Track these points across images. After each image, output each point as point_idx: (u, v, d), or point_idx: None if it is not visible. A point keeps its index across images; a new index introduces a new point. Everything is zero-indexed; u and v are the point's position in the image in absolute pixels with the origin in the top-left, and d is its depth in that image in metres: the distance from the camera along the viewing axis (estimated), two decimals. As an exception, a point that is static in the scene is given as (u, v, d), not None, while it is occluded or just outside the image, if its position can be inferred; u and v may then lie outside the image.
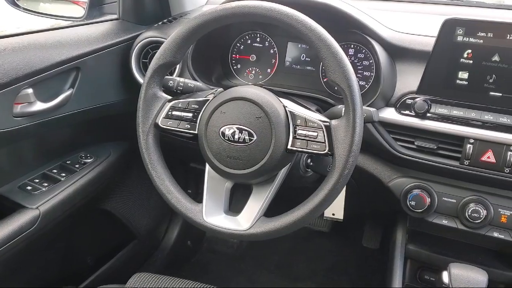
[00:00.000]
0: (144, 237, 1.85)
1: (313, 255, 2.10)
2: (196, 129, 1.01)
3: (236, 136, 0.95)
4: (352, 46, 1.28)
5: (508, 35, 1.04)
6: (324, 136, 0.92)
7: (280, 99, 0.98)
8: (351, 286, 1.93)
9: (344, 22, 1.21)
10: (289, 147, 0.94)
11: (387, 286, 1.31)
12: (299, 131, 0.94)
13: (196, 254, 2.13)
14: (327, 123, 0.92)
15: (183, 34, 0.99)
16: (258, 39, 1.38)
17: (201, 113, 1.01)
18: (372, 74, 1.26)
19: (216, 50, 1.40)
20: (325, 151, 0.91)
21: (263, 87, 1.01)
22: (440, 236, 1.30)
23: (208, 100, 1.01)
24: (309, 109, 0.98)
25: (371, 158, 1.24)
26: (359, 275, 1.98)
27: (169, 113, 1.02)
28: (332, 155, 0.91)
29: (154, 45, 1.38)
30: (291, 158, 1.01)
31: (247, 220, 0.97)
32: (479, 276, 1.08)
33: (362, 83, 1.28)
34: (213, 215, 1.00)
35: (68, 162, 1.41)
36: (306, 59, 1.34)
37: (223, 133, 0.96)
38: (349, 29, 1.23)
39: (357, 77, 1.26)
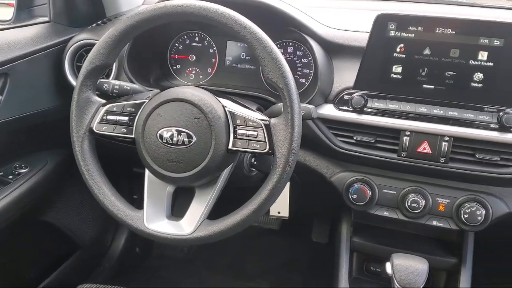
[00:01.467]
0: (88, 246, 1.79)
1: (265, 254, 2.11)
2: (133, 133, 0.98)
3: (175, 139, 0.93)
4: (290, 44, 1.28)
5: (438, 29, 1.08)
6: (264, 135, 0.91)
7: (219, 99, 0.96)
8: (302, 282, 1.95)
9: (281, 20, 1.21)
10: (230, 147, 0.93)
11: (334, 280, 1.33)
12: (239, 131, 0.93)
13: (146, 260, 2.09)
14: (267, 122, 0.92)
15: (114, 36, 0.96)
16: (197, 39, 1.36)
17: (137, 116, 0.98)
18: (311, 71, 1.27)
19: (154, 51, 1.36)
20: (266, 150, 0.91)
21: (202, 87, 0.99)
22: (383, 228, 1.33)
23: (144, 102, 0.98)
24: (249, 108, 0.97)
25: (313, 154, 1.25)
26: (310, 270, 2.00)
27: (104, 117, 0.99)
28: (273, 153, 0.90)
29: (88, 48, 1.32)
30: (233, 158, 1.00)
31: (190, 224, 0.95)
32: (420, 264, 1.12)
33: (302, 81, 1.28)
34: (154, 221, 0.97)
35: (0, 173, 1.34)
36: (246, 57, 1.34)
37: (161, 136, 0.93)
38: (286, 27, 1.23)
39: (297, 74, 1.28)
